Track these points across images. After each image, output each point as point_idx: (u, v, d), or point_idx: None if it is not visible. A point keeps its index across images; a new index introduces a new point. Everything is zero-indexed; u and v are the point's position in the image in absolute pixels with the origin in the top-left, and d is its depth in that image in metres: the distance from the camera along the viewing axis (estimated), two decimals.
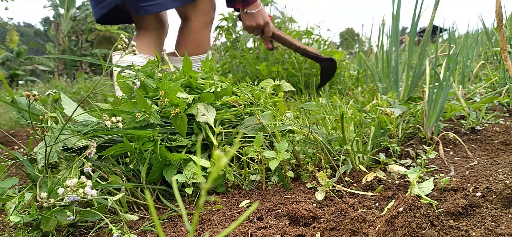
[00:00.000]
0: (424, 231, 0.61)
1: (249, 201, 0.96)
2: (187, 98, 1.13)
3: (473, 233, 0.65)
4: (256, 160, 1.08)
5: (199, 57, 1.90)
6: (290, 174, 1.04)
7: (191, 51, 1.86)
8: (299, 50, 2.35)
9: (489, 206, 0.76)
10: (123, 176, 0.99)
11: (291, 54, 2.90)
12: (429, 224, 0.62)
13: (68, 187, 0.70)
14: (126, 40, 0.90)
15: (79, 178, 0.76)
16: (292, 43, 2.28)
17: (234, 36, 3.29)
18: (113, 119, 0.83)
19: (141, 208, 0.97)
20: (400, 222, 0.63)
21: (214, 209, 0.92)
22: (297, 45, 2.30)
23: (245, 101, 1.25)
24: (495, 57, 2.79)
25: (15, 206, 0.82)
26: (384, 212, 0.78)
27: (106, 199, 0.80)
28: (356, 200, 0.88)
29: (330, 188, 0.93)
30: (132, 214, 0.94)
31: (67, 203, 0.75)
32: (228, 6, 2.07)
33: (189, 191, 0.96)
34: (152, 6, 1.76)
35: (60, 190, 0.72)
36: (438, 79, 1.25)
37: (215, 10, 1.94)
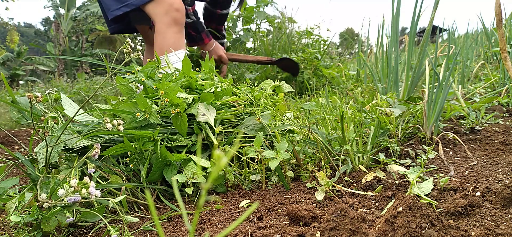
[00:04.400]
0: (423, 231, 0.61)
1: (249, 200, 0.96)
2: (187, 98, 1.14)
3: (473, 233, 0.66)
4: (256, 160, 1.08)
5: (171, 56, 1.87)
6: (290, 174, 1.04)
7: (157, 50, 1.91)
8: (254, 62, 2.86)
9: (489, 206, 0.76)
10: (123, 176, 0.99)
11: (291, 56, 2.92)
12: (428, 223, 0.63)
13: (72, 187, 0.70)
14: (132, 45, 0.91)
15: (80, 179, 0.76)
16: (247, 59, 2.80)
17: (234, 36, 3.30)
18: (115, 121, 0.83)
19: (142, 207, 0.97)
20: (399, 222, 0.63)
21: (214, 209, 0.92)
22: (250, 59, 2.81)
23: (245, 101, 1.25)
24: (495, 57, 2.79)
25: (16, 206, 0.82)
26: (383, 212, 0.78)
27: (107, 199, 0.81)
28: (356, 200, 0.88)
29: (330, 188, 0.93)
30: (132, 216, 0.94)
31: (68, 204, 0.75)
32: (189, 45, 2.49)
33: (189, 191, 0.96)
34: (117, 10, 1.99)
35: (61, 191, 0.72)
36: (438, 80, 1.25)
37: (180, 9, 1.96)
